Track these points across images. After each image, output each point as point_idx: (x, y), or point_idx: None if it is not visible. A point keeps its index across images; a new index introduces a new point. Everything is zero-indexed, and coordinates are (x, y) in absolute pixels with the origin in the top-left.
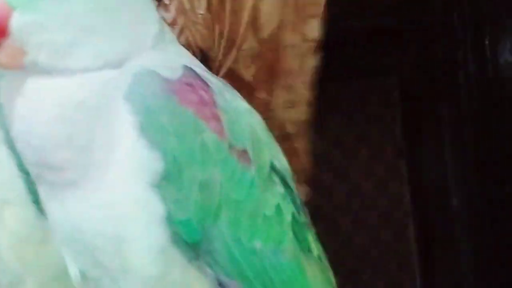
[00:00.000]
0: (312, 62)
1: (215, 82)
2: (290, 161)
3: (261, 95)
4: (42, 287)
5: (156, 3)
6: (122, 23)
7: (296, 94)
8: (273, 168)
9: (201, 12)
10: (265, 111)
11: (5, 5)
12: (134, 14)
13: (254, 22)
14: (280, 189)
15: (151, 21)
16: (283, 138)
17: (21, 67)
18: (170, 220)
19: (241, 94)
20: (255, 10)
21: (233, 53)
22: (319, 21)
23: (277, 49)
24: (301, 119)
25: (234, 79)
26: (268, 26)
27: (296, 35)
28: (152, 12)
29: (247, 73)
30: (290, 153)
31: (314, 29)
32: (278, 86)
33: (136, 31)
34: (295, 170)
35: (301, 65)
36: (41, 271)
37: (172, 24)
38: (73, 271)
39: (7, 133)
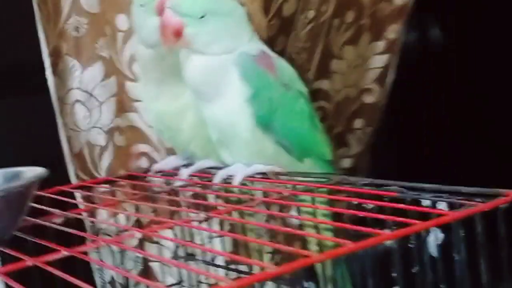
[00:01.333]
0: None
1: (273, 55)
2: None
3: None
4: (203, 144)
5: None
6: (236, 30)
7: None
8: (299, 90)
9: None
10: None
11: (181, 22)
12: (241, 26)
13: None
14: (302, 99)
15: (247, 28)
16: None
17: (186, 47)
18: (254, 114)
19: None
20: None
21: None
22: None
23: None
24: None
25: None
26: None
27: None
28: (247, 23)
29: None
30: None
31: None
32: None
33: (241, 34)
34: None
35: None
36: (202, 136)
37: None
38: (214, 137)
39: None
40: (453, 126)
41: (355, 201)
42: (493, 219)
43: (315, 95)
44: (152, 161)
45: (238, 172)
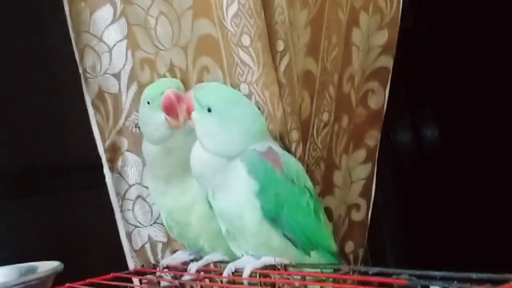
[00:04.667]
0: None
1: (279, 151)
2: None
3: None
4: (211, 238)
5: None
6: (240, 138)
7: None
8: (305, 185)
9: None
10: None
11: (193, 104)
12: (249, 133)
13: None
14: (307, 195)
15: (258, 136)
16: None
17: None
18: (262, 208)
19: None
20: None
21: None
22: None
23: None
24: None
25: None
26: None
27: None
28: (260, 132)
29: None
30: None
31: None
32: None
33: (245, 141)
34: None
35: None
36: (209, 230)
37: None
38: (223, 229)
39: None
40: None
41: None
42: None
43: None
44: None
45: (247, 264)
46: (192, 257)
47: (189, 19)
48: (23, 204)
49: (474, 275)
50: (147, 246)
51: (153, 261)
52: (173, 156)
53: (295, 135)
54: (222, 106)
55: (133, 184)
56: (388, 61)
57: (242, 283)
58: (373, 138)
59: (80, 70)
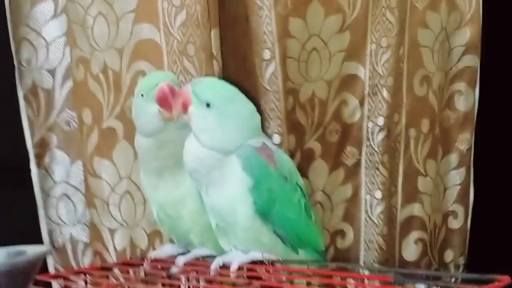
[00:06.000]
0: None
1: (273, 147)
2: None
3: None
4: (201, 232)
5: None
6: (236, 134)
7: None
8: (297, 183)
9: None
10: None
11: (190, 98)
12: (245, 130)
13: None
14: (299, 192)
15: (253, 132)
16: None
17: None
18: (254, 203)
19: None
20: None
21: None
22: None
23: None
24: None
25: None
26: None
27: None
28: (256, 129)
29: None
30: None
31: None
32: None
33: (240, 137)
34: None
35: None
36: (201, 225)
37: None
38: (214, 224)
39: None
40: None
41: (351, 285)
42: None
43: (405, 224)
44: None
45: (235, 259)
46: (180, 251)
47: (129, 22)
48: None
49: (459, 275)
50: (68, 245)
51: (72, 261)
52: (166, 150)
53: (276, 138)
54: (221, 102)
55: (59, 182)
56: (473, 61)
57: (229, 277)
58: (464, 141)
59: (15, 63)
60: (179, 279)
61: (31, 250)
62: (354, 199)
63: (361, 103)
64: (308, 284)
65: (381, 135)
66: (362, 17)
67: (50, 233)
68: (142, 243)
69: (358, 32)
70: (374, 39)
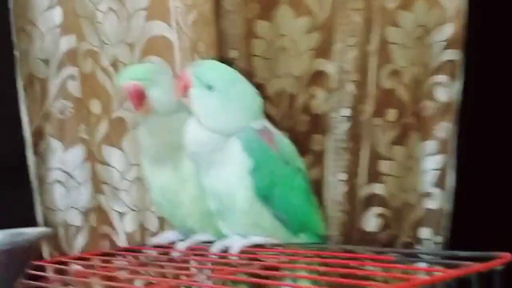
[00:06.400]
0: None
1: (274, 130)
2: None
3: None
4: (201, 218)
5: None
6: (239, 116)
7: None
8: (298, 167)
9: None
10: None
11: (190, 81)
12: (247, 111)
13: None
14: (300, 175)
15: (255, 114)
16: None
17: (188, 105)
18: (254, 186)
19: None
20: None
21: None
22: None
23: None
24: None
25: None
26: None
27: None
28: (257, 109)
29: None
30: None
31: None
32: None
33: (244, 119)
34: None
35: None
36: (200, 210)
37: None
38: (213, 207)
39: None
40: None
41: (352, 263)
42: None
43: (369, 200)
44: (113, 244)
45: (235, 243)
46: (180, 237)
47: (141, 18)
48: None
49: (461, 253)
50: (61, 229)
51: (65, 245)
52: (156, 138)
53: None
54: (223, 84)
55: (53, 168)
56: (455, 55)
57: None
58: (444, 130)
59: (16, 53)
60: (179, 263)
61: (30, 232)
62: (320, 181)
63: (329, 96)
64: (309, 264)
65: (346, 125)
66: (330, 18)
67: (45, 218)
68: (152, 226)
69: (327, 32)
70: (342, 38)
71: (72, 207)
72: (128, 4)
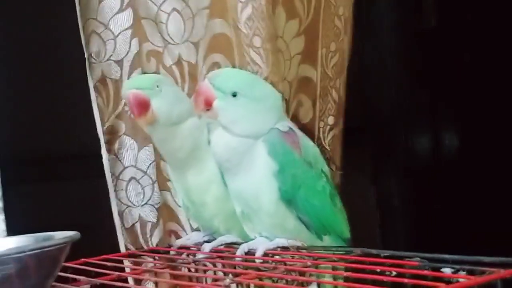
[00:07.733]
0: None
1: (299, 133)
2: None
3: None
4: (226, 219)
5: None
6: (265, 117)
7: None
8: (322, 169)
9: None
10: None
11: (213, 94)
12: (271, 113)
13: None
14: (324, 178)
15: (278, 115)
16: None
17: (213, 119)
18: (279, 189)
19: None
20: None
21: None
22: None
23: None
24: None
25: None
26: None
27: None
28: (279, 110)
29: None
30: None
31: None
32: None
33: (269, 120)
34: None
35: None
36: (225, 211)
37: None
38: (238, 210)
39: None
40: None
41: (378, 269)
42: None
43: None
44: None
45: (260, 246)
46: (206, 238)
47: (204, 17)
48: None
49: (486, 259)
50: (137, 225)
51: (141, 240)
52: (168, 145)
53: None
54: (246, 88)
55: (128, 166)
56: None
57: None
58: None
59: (86, 55)
60: (205, 265)
61: (59, 235)
62: None
63: (314, 104)
64: (334, 269)
65: (331, 134)
66: (314, 22)
67: (121, 214)
68: None
69: (311, 37)
70: (325, 43)
71: (146, 204)
72: (191, 4)
